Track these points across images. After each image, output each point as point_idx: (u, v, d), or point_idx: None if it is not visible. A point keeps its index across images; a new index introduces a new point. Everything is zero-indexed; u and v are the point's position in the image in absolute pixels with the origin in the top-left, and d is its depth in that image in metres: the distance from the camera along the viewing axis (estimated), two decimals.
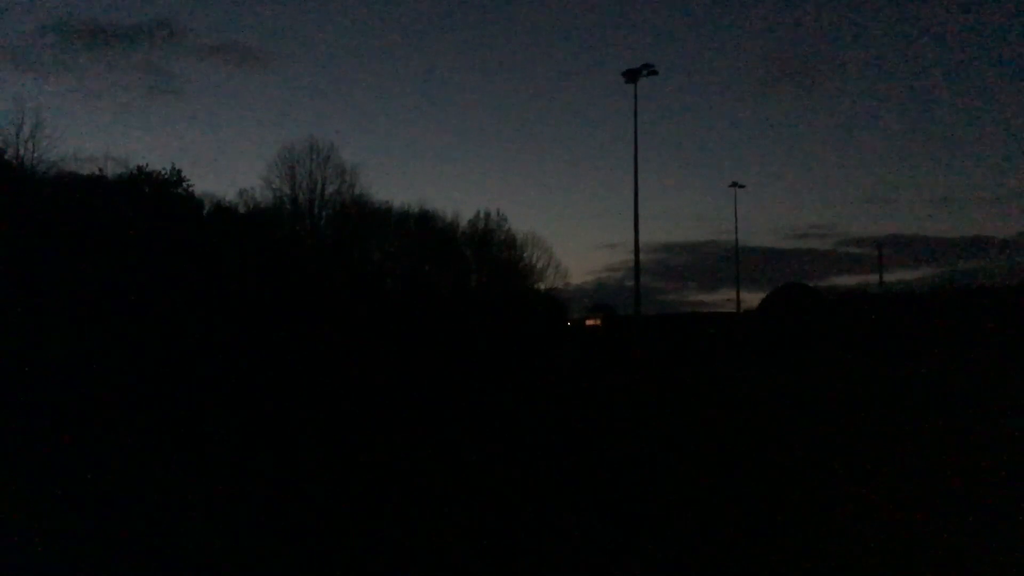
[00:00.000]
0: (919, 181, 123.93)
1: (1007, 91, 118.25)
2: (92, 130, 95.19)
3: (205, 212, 42.14)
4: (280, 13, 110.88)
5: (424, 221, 54.65)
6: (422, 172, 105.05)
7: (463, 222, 58.84)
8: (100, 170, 36.39)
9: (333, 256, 47.04)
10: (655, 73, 42.49)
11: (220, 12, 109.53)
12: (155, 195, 37.54)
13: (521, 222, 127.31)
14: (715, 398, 25.72)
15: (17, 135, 30.86)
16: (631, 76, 42.29)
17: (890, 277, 73.10)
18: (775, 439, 16.32)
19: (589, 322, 71.95)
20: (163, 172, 38.36)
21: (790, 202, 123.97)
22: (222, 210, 43.66)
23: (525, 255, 61.72)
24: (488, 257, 59.45)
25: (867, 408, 21.62)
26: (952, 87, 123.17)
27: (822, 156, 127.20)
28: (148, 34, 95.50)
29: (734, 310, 71.61)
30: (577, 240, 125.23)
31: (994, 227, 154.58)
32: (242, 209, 45.66)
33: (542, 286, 62.76)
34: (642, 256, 43.07)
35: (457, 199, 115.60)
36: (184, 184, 39.07)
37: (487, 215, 59.96)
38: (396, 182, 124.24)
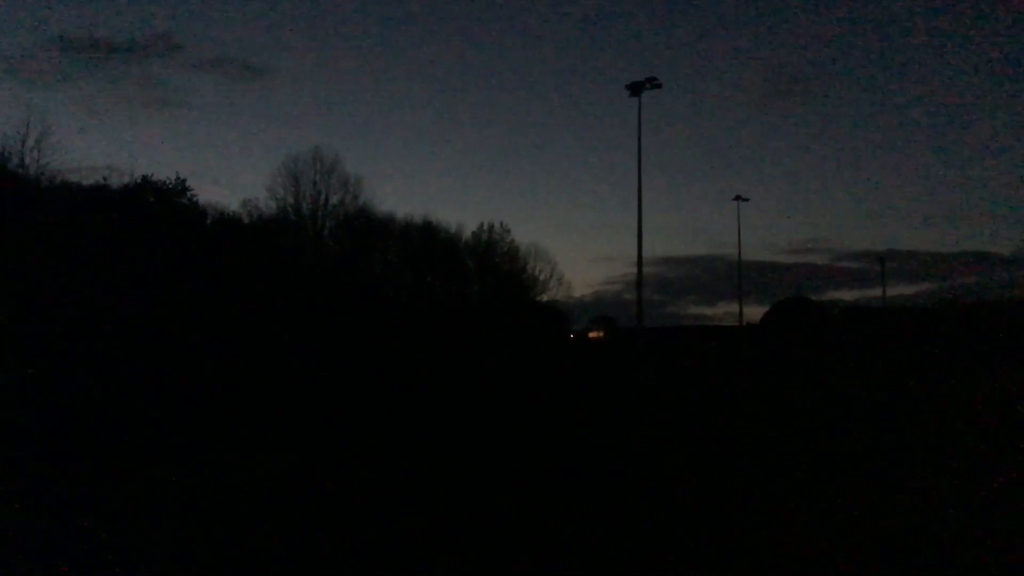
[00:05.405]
0: (916, 197, 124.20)
1: (1005, 108, 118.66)
2: (95, 142, 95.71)
3: (209, 222, 42.13)
4: (280, 27, 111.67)
5: (427, 232, 54.69)
6: (426, 183, 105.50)
7: (466, 233, 58.94)
8: (104, 179, 36.47)
9: (336, 266, 47.02)
10: (659, 86, 42.51)
11: (219, 27, 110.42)
12: (159, 204, 37.53)
13: (523, 234, 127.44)
14: (723, 412, 25.56)
15: (22, 145, 30.92)
16: (635, 89, 42.32)
17: (888, 291, 73.09)
18: (784, 454, 16.20)
19: (592, 334, 71.91)
20: (167, 182, 38.39)
21: (788, 216, 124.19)
22: (226, 220, 43.65)
23: (527, 267, 61.75)
24: (491, 268, 59.40)
25: (876, 422, 21.50)
26: (951, 104, 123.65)
27: (820, 171, 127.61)
28: (148, 48, 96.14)
29: (735, 323, 71.50)
30: (576, 253, 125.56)
31: (991, 243, 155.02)
32: (246, 219, 45.71)
33: (544, 298, 62.70)
34: (643, 269, 42.90)
35: (460, 210, 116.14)
36: (188, 194, 39.08)
37: (490, 227, 60.00)
38: (400, 193, 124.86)
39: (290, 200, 46.85)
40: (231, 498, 11.22)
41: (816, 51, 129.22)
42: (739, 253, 70.55)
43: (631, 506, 10.93)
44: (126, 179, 37.62)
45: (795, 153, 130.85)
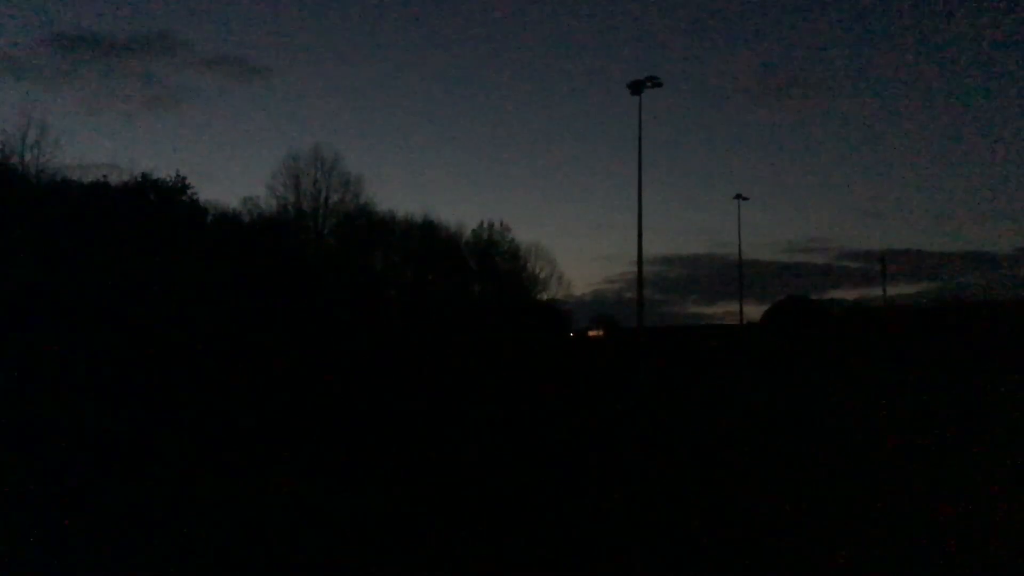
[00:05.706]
0: (916, 197, 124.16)
1: (1004, 108, 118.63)
2: (95, 141, 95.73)
3: (209, 220, 42.16)
4: (280, 26, 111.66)
5: (428, 231, 54.66)
6: (426, 182, 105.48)
7: (467, 232, 58.94)
8: (104, 177, 36.53)
9: (337, 265, 47.03)
10: (659, 85, 42.42)
11: (219, 25, 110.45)
12: (159, 202, 37.58)
13: (523, 233, 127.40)
14: (723, 411, 25.56)
15: (22, 142, 30.98)
16: (635, 88, 42.24)
17: (888, 291, 73.08)
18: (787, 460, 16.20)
19: (591, 333, 71.98)
20: (167, 180, 38.42)
21: (788, 216, 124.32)
22: (226, 218, 43.70)
23: (528, 265, 61.75)
24: (491, 267, 59.39)
25: (876, 423, 21.50)
26: (950, 103, 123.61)
27: (820, 171, 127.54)
28: (149, 46, 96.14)
29: (736, 322, 71.44)
30: (576, 252, 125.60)
31: (991, 243, 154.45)
32: (247, 218, 45.76)
33: (544, 296, 62.72)
34: (643, 268, 42.84)
35: (461, 209, 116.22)
36: (188, 192, 39.12)
37: (491, 225, 60.00)
38: (400, 192, 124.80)
39: (291, 198, 46.93)
40: (231, 499, 11.21)
41: (817, 51, 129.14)
42: (739, 252, 70.55)
43: (631, 505, 10.94)
44: (126, 177, 37.72)
45: (795, 153, 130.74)
